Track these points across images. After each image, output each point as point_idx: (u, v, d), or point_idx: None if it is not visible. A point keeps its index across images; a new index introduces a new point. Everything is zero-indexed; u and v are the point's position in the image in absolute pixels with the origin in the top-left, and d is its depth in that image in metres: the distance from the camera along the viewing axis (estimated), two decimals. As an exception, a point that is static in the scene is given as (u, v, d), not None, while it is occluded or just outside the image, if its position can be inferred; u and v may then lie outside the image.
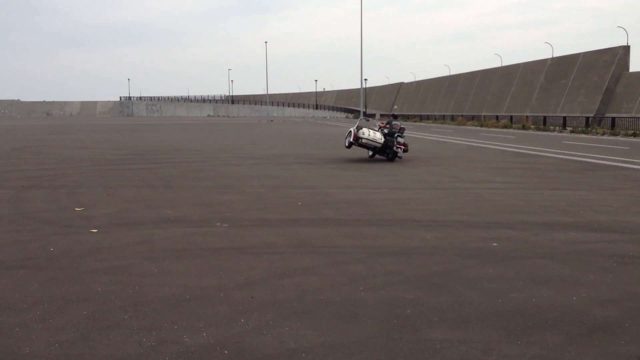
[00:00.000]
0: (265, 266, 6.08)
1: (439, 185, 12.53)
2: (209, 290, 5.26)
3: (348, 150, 19.91)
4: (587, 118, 44.20)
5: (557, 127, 43.66)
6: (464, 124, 58.58)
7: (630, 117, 41.21)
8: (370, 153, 19.17)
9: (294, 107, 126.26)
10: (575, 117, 47.72)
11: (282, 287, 5.35)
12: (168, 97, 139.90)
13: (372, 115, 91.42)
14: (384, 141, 18.19)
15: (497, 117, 60.11)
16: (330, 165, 17.11)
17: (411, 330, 4.33)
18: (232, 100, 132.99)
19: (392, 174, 14.65)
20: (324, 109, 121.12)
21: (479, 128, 50.91)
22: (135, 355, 3.91)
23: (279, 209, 9.62)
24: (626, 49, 60.42)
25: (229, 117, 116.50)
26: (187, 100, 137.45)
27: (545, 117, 48.92)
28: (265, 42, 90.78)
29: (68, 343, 4.09)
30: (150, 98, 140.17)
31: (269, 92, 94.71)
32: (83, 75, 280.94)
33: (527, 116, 55.74)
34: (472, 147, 25.73)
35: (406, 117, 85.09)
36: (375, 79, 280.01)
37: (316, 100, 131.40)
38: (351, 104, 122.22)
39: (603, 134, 36.32)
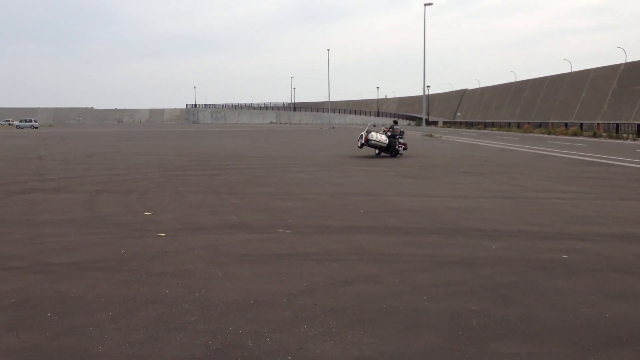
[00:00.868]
0: (327, 273, 6.09)
1: (505, 194, 12.22)
2: (273, 296, 5.31)
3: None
4: (664, 125, 42.09)
5: (630, 135, 41.79)
6: (530, 132, 57.00)
7: None
8: (377, 152, 23.99)
9: (355, 114, 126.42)
10: (650, 124, 45.50)
11: (345, 295, 5.35)
12: (232, 105, 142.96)
13: (435, 123, 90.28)
14: (388, 142, 23.27)
15: (565, 124, 58.10)
16: (392, 172, 17.00)
17: (477, 343, 4.23)
18: (294, 107, 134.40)
19: (456, 182, 14.41)
20: (386, 116, 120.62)
21: (546, 136, 49.39)
22: (202, 358, 3.99)
23: (340, 216, 9.63)
24: None
25: (290, 124, 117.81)
26: (250, 107, 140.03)
27: (617, 125, 46.94)
28: (328, 50, 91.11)
29: (138, 343, 4.23)
30: (215, 105, 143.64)
31: (331, 99, 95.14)
32: (152, 83, 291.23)
33: (598, 123, 53.62)
34: (540, 155, 24.97)
35: (469, 125, 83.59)
36: (438, 86, 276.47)
37: (378, 108, 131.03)
38: (413, 111, 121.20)
39: (681, 142, 34.49)
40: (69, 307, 5.02)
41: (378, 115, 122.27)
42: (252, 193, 12.50)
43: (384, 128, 24.70)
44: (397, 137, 23.57)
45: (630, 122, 53.50)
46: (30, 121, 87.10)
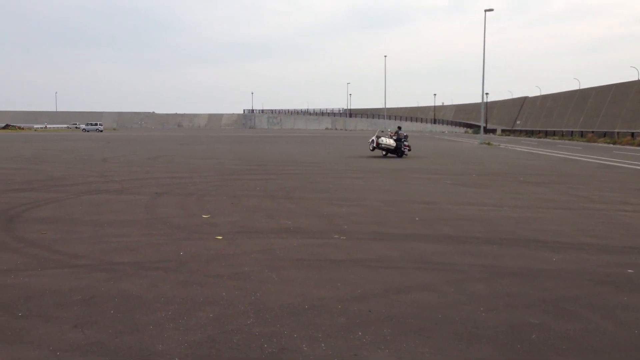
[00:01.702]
0: (382, 280, 6.07)
1: (567, 205, 11.85)
2: (327, 301, 5.33)
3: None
4: None
5: (703, 145, 39.75)
6: (594, 141, 55.09)
7: None
8: (384, 153, 28.13)
9: (411, 121, 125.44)
10: None
11: (399, 303, 5.31)
12: (288, 110, 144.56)
13: (493, 131, 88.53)
14: (396, 145, 27.68)
15: (632, 134, 55.80)
16: (448, 180, 16.77)
17: (537, 357, 4.12)
18: (350, 113, 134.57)
19: (515, 192, 14.08)
20: (442, 124, 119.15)
21: (611, 145, 47.63)
22: None
23: (395, 223, 9.57)
24: None
25: (346, 130, 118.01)
26: (306, 113, 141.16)
27: (689, 134, 44.72)
28: (385, 56, 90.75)
29: (196, 343, 4.33)
30: (272, 111, 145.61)
31: (387, 106, 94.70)
32: (211, 88, 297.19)
33: (667, 133, 51.26)
34: (604, 165, 24.10)
35: (530, 133, 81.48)
36: (497, 93, 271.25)
37: (434, 115, 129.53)
38: (471, 118, 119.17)
39: None
40: (131, 305, 5.19)
41: (435, 123, 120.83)
42: (308, 198, 12.58)
43: (390, 133, 28.93)
44: (402, 140, 27.90)
45: (703, 132, 50.87)
46: (96, 125, 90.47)
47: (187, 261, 6.82)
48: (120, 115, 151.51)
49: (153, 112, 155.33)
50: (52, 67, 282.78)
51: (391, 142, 27.64)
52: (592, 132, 64.67)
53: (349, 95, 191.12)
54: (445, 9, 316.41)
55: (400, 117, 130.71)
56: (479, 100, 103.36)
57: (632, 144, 46.50)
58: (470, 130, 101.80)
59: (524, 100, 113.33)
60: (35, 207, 10.85)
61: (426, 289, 5.77)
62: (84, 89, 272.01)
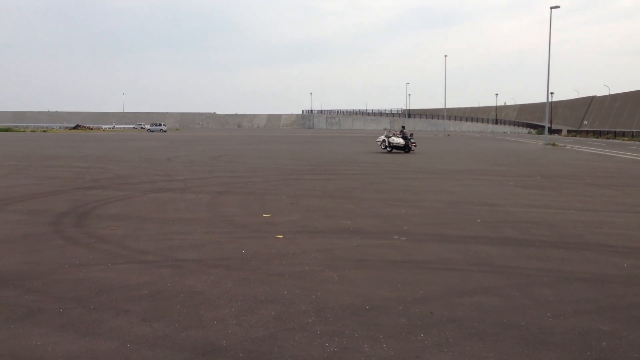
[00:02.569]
0: (443, 282, 5.99)
1: (638, 209, 11.35)
2: (388, 302, 5.31)
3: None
4: None
5: None
6: (667, 142, 52.44)
7: None
8: (388, 149, 31.67)
9: (471, 121, 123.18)
10: None
11: (462, 306, 5.23)
12: (346, 111, 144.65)
13: (558, 131, 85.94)
14: (404, 143, 31.40)
15: None
16: (511, 182, 16.37)
17: (607, 366, 3.97)
18: (409, 114, 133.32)
19: (582, 195, 13.60)
20: (504, 124, 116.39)
21: (685, 146, 45.25)
22: (320, 359, 4.07)
23: (456, 225, 9.42)
24: None
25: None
26: (364, 113, 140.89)
27: None
28: (445, 56, 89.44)
29: (259, 340, 4.40)
30: (330, 111, 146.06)
31: (447, 106, 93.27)
32: (270, 89, 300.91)
33: None
34: (678, 167, 22.92)
35: (597, 134, 78.50)
36: (563, 92, 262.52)
37: (496, 115, 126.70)
38: (534, 118, 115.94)
39: None
40: (195, 301, 5.33)
41: (496, 123, 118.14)
42: (367, 198, 12.55)
43: (395, 132, 32.87)
44: (409, 138, 31.72)
45: None
46: (160, 125, 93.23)
47: (249, 259, 6.94)
48: (182, 115, 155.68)
49: (214, 112, 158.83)
50: (120, 69, 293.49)
51: (401, 140, 31.50)
52: (665, 132, 61.59)
53: (407, 96, 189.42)
54: (507, 6, 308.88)
55: (460, 117, 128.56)
56: (543, 100, 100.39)
57: None
58: (533, 131, 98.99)
59: (591, 100, 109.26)
60: (104, 205, 11.29)
61: (489, 293, 5.65)
62: (149, 90, 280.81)
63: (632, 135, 68.57)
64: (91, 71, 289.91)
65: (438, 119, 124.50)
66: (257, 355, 4.12)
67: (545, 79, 50.05)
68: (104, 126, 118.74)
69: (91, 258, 6.93)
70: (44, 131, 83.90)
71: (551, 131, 79.82)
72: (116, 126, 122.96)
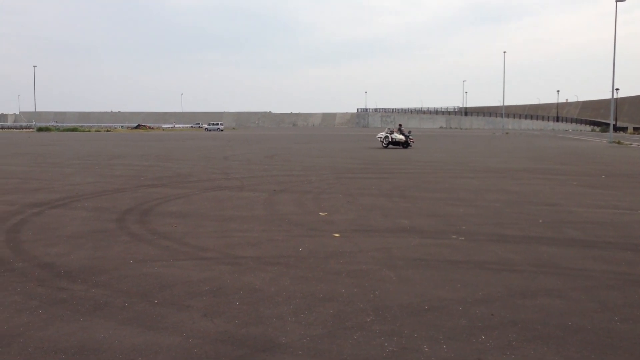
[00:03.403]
0: (504, 284, 5.86)
1: None
2: (447, 302, 5.24)
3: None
4: None
5: None
6: None
7: None
8: (385, 144, 34.54)
9: (531, 119, 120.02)
10: None
11: (524, 307, 5.10)
12: (401, 109, 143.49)
13: (624, 129, 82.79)
14: (404, 139, 34.29)
15: None
16: (574, 181, 15.84)
17: (681, 374, 3.79)
18: (465, 112, 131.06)
19: (649, 194, 13.02)
20: (566, 122, 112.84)
21: None
22: (378, 358, 4.06)
23: (516, 225, 9.20)
24: None
25: (461, 129, 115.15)
26: (419, 112, 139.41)
27: None
28: (504, 52, 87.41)
29: (317, 338, 4.42)
30: (385, 110, 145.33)
31: (505, 104, 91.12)
32: (325, 88, 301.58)
33: None
34: None
35: (666, 130, 74.90)
36: (629, 89, 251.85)
37: (557, 112, 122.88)
38: (598, 116, 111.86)
39: None
40: (255, 298, 5.40)
41: (557, 121, 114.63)
42: (423, 198, 12.42)
43: (394, 129, 35.66)
44: (407, 135, 34.67)
45: None
46: (217, 124, 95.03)
47: (306, 257, 6.98)
48: (238, 115, 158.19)
49: (269, 111, 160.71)
50: (179, 70, 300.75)
51: (401, 137, 34.45)
52: None
53: (464, 93, 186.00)
54: (568, 0, 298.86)
55: (519, 115, 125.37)
56: (607, 97, 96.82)
57: None
58: (597, 129, 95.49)
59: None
60: (165, 202, 11.60)
61: (553, 295, 5.49)
62: (207, 90, 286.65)
63: None
64: (152, 72, 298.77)
65: (496, 116, 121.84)
66: (316, 353, 4.15)
67: (610, 74, 48.18)
68: (163, 125, 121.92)
69: (154, 254, 7.13)
70: (108, 131, 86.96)
71: (616, 129, 76.73)
72: (176, 125, 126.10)
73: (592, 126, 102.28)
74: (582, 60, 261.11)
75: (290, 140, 47.92)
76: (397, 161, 23.64)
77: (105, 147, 36.22)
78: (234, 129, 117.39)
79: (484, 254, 7.20)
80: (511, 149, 34.79)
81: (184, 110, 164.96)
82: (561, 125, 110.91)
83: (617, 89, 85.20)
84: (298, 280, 6.00)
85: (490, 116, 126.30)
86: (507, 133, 76.72)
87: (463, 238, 8.11)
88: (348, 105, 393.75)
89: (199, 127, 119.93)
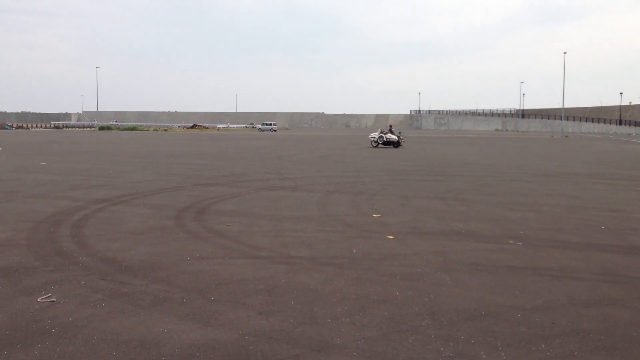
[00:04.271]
0: (565, 291, 5.68)
1: None
2: (505, 309, 5.12)
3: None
4: None
5: None
6: None
7: None
8: (375, 144, 37.31)
9: (592, 122, 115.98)
10: None
11: (587, 317, 4.93)
12: (456, 111, 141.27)
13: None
14: (397, 139, 37.01)
15: None
16: (639, 187, 15.21)
17: None
18: (522, 114, 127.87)
19: None
20: (630, 125, 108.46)
21: None
22: (434, 362, 4.01)
23: (578, 231, 8.91)
24: None
25: (517, 131, 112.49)
26: (474, 114, 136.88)
27: None
28: (564, 53, 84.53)
29: (372, 340, 4.40)
30: (439, 112, 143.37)
31: (565, 106, 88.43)
32: (378, 89, 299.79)
33: None
34: None
35: None
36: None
37: (620, 115, 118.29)
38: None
39: None
40: (309, 297, 5.42)
41: (620, 124, 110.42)
42: (479, 201, 12.19)
43: (385, 130, 38.57)
44: (398, 136, 37.49)
45: None
46: (270, 125, 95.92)
47: (360, 259, 6.96)
48: (292, 115, 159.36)
49: (322, 112, 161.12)
50: (234, 70, 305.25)
51: (393, 137, 37.25)
52: None
53: (521, 95, 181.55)
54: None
55: (580, 117, 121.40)
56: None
57: None
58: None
59: None
60: (221, 201, 11.81)
61: (618, 305, 5.29)
62: (260, 90, 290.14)
63: None
64: (208, 73, 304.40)
65: (555, 119, 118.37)
66: (371, 355, 4.13)
67: (678, 75, 45.94)
68: (218, 125, 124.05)
69: (210, 251, 7.27)
70: (165, 130, 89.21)
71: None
72: (230, 125, 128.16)
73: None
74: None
75: (343, 142, 47.95)
76: (451, 164, 23.29)
77: (163, 146, 37.18)
78: (286, 129, 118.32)
79: (543, 260, 7.01)
80: (571, 153, 33.75)
81: (238, 111, 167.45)
82: (624, 129, 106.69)
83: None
84: (352, 281, 5.99)
85: (548, 119, 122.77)
86: (566, 136, 74.42)
87: (521, 243, 7.92)
88: (401, 106, 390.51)
89: (253, 127, 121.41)
